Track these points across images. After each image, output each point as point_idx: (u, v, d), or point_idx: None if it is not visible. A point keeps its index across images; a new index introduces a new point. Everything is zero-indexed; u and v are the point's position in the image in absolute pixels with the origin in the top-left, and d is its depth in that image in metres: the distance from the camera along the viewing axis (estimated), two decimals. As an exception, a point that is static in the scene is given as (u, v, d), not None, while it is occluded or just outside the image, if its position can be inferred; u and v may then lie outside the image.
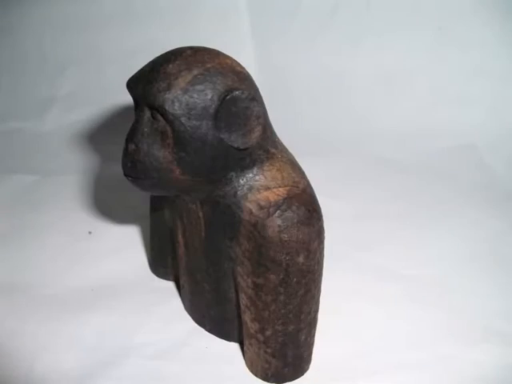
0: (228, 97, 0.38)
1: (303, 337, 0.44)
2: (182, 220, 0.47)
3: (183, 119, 0.38)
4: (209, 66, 0.39)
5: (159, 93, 0.38)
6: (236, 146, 0.39)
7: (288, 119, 0.81)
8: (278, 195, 0.40)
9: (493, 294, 0.56)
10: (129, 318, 0.53)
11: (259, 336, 0.44)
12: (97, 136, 0.91)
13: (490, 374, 0.47)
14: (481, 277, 0.59)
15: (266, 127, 0.42)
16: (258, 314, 0.43)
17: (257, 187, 0.41)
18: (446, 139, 0.86)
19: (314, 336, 0.46)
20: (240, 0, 0.92)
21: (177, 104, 0.38)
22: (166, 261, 0.57)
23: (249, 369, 0.47)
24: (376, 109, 0.90)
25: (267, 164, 0.42)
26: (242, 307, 0.44)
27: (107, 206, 0.72)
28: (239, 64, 0.42)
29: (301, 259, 0.41)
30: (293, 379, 0.46)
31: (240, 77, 0.40)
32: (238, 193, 0.41)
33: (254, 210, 0.40)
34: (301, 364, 0.46)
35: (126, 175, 0.42)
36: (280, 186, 0.41)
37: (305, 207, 0.41)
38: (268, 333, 0.43)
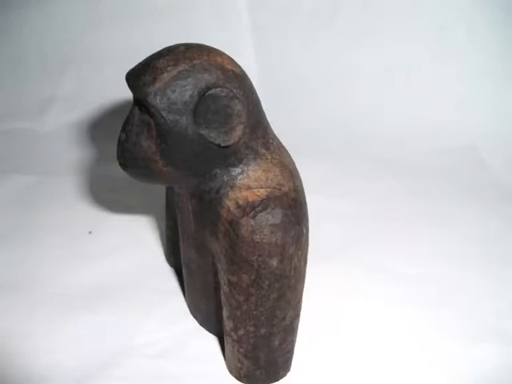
0: (207, 94, 0.39)
1: (277, 342, 0.44)
2: (178, 211, 0.48)
3: (164, 113, 0.39)
4: (196, 62, 0.40)
5: (144, 86, 0.40)
6: (217, 143, 0.40)
7: (287, 119, 0.81)
8: (256, 196, 0.40)
9: (493, 293, 0.56)
10: (129, 318, 0.53)
11: (233, 334, 0.44)
12: (97, 136, 0.91)
13: (490, 373, 0.47)
14: (481, 276, 0.59)
15: (257, 127, 0.42)
16: (232, 313, 0.43)
17: (239, 186, 0.41)
18: (446, 139, 0.86)
19: (291, 343, 0.46)
20: (240, 0, 0.93)
21: (159, 97, 0.39)
22: (176, 250, 0.58)
23: (226, 366, 0.48)
24: (375, 108, 0.90)
25: (254, 164, 0.42)
26: (222, 303, 0.45)
27: (107, 206, 0.72)
28: (232, 63, 0.42)
29: (274, 263, 0.40)
30: (266, 383, 0.46)
31: (227, 75, 0.40)
32: (221, 190, 0.42)
33: (231, 208, 0.41)
34: (275, 369, 0.46)
35: (119, 163, 0.44)
36: (261, 187, 0.41)
37: (282, 210, 0.40)
38: (240, 332, 0.44)
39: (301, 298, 0.45)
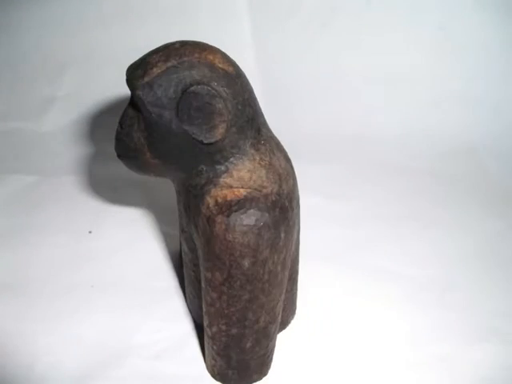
0: (188, 90, 0.39)
1: (249, 344, 0.44)
2: (177, 206, 0.49)
3: (149, 106, 0.40)
4: (185, 59, 0.41)
5: (134, 79, 0.41)
6: (200, 139, 0.40)
7: (287, 120, 0.81)
8: (235, 195, 0.41)
9: (492, 293, 0.56)
10: (128, 318, 0.53)
11: (208, 331, 0.44)
12: (96, 136, 0.91)
13: (490, 373, 0.47)
14: (480, 276, 0.59)
15: (247, 127, 0.42)
16: (207, 309, 0.43)
17: (221, 184, 0.42)
18: (445, 142, 0.86)
19: (267, 348, 0.45)
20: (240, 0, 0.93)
21: (146, 91, 0.40)
22: None
23: (204, 362, 0.48)
24: (375, 110, 0.90)
25: (239, 163, 0.42)
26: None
27: (107, 206, 0.72)
28: (226, 61, 0.42)
29: (245, 263, 0.40)
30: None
31: (216, 73, 0.41)
32: (205, 186, 0.42)
33: (210, 205, 0.41)
34: (248, 372, 0.46)
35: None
36: (242, 187, 0.41)
37: (258, 212, 0.40)
38: (214, 329, 0.44)
39: (278, 304, 0.44)
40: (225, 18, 0.93)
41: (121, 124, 0.44)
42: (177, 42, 0.43)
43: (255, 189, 0.41)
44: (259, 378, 0.46)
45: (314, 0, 0.91)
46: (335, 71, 0.92)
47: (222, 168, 0.42)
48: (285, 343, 0.50)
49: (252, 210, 0.40)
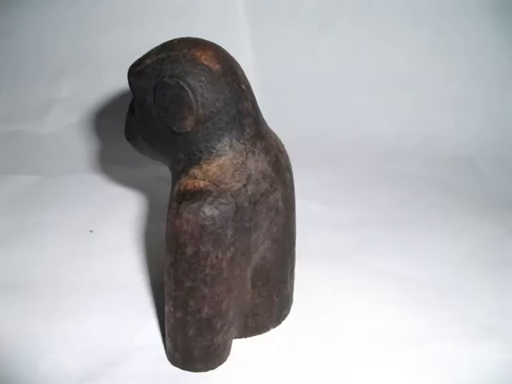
0: (159, 81, 0.43)
1: (191, 332, 0.45)
2: None
3: (136, 92, 0.45)
4: (173, 53, 0.43)
5: (132, 66, 0.45)
6: (173, 128, 0.43)
7: (285, 124, 0.81)
8: (194, 185, 0.42)
9: (491, 293, 0.56)
10: (131, 318, 0.53)
11: (164, 308, 0.46)
12: (96, 137, 0.91)
13: (490, 372, 0.47)
14: (478, 278, 0.59)
15: (226, 127, 0.43)
16: (165, 288, 0.45)
17: (190, 174, 0.43)
18: (442, 148, 0.86)
19: (211, 341, 0.45)
20: (239, 0, 0.93)
21: (135, 78, 0.45)
22: None
23: None
24: (372, 116, 0.90)
25: (211, 158, 0.43)
26: None
27: (107, 206, 0.72)
28: (215, 59, 0.44)
29: (188, 252, 0.42)
30: (184, 369, 0.47)
31: (197, 69, 0.43)
32: (180, 174, 0.44)
33: (174, 192, 0.43)
34: (191, 359, 0.46)
35: None
36: (203, 180, 0.42)
37: (205, 206, 0.41)
38: (166, 309, 0.45)
39: (225, 301, 0.44)
40: (224, 19, 0.93)
41: (128, 108, 0.48)
42: (179, 38, 0.45)
43: (213, 183, 0.42)
44: (204, 369, 0.47)
45: (314, 2, 0.92)
46: (334, 76, 0.92)
47: (195, 159, 0.44)
48: (286, 342, 0.50)
49: (201, 202, 0.41)
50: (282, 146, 0.50)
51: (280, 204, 0.47)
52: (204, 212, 0.41)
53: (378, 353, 0.49)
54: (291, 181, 0.50)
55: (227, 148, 0.44)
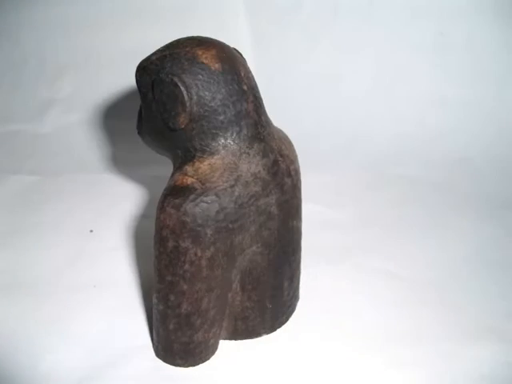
0: (156, 77, 0.44)
1: (171, 326, 0.45)
2: None
3: (140, 87, 0.46)
4: (176, 51, 0.44)
5: (141, 62, 0.46)
6: (168, 124, 0.44)
7: (286, 121, 0.81)
8: (182, 182, 0.43)
9: (491, 293, 0.56)
10: (131, 318, 0.53)
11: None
12: (96, 137, 0.91)
13: (490, 371, 0.47)
14: (478, 278, 0.59)
15: (222, 128, 0.44)
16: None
17: (183, 170, 0.44)
18: (441, 149, 0.86)
19: (191, 337, 0.46)
20: (239, 0, 0.93)
21: (141, 73, 0.46)
22: None
23: None
24: (371, 117, 0.90)
25: (204, 156, 0.44)
26: None
27: (107, 206, 0.72)
28: (216, 58, 0.44)
29: (169, 246, 0.42)
30: (166, 362, 0.48)
31: (197, 67, 0.43)
32: (176, 170, 0.45)
33: (166, 186, 0.44)
34: (171, 353, 0.47)
35: None
36: (192, 177, 0.43)
37: (188, 203, 0.42)
38: (152, 300, 0.46)
39: (204, 300, 0.44)
40: (224, 19, 0.93)
41: (140, 104, 0.49)
42: (188, 37, 0.46)
43: (200, 181, 0.42)
44: (183, 365, 0.47)
45: (314, 1, 0.92)
46: (335, 76, 0.92)
47: (190, 156, 0.44)
48: (286, 342, 0.50)
49: (184, 198, 0.42)
50: (288, 150, 0.49)
51: (273, 209, 0.46)
52: (185, 208, 0.42)
53: (378, 353, 0.49)
54: (293, 186, 0.48)
55: (221, 148, 0.44)
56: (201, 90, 0.43)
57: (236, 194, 0.43)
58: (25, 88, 0.98)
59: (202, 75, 0.43)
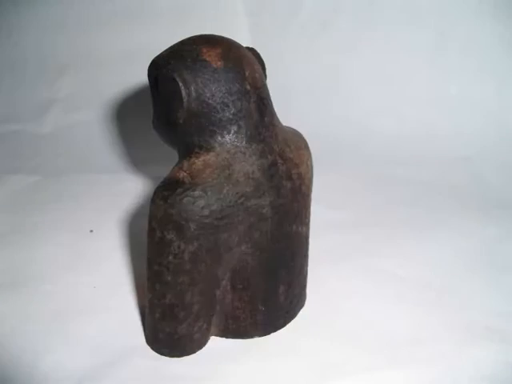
0: (158, 72, 0.45)
1: (157, 315, 0.46)
2: None
3: (150, 79, 0.46)
4: (183, 47, 0.45)
5: (154, 58, 0.46)
6: (169, 119, 0.45)
7: (285, 122, 0.81)
8: (175, 175, 0.44)
9: (491, 294, 0.56)
10: (130, 318, 0.53)
11: None
12: (96, 137, 0.91)
13: (490, 371, 0.47)
14: (478, 278, 0.59)
15: (220, 127, 0.44)
16: None
17: (180, 164, 0.45)
18: (442, 149, 0.86)
19: (176, 329, 0.46)
20: (239, 0, 0.93)
21: (151, 68, 0.46)
22: None
23: None
24: (372, 117, 0.90)
25: (201, 153, 0.44)
26: None
27: (107, 206, 0.72)
28: (221, 57, 0.44)
29: (156, 236, 0.43)
30: (154, 350, 0.48)
31: (199, 64, 0.43)
32: (176, 164, 0.46)
33: (163, 178, 0.45)
34: (158, 342, 0.48)
35: None
36: (185, 171, 0.44)
37: (174, 196, 0.42)
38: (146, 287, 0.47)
39: (188, 293, 0.45)
40: (224, 19, 0.93)
41: None
42: (200, 34, 0.46)
43: (190, 176, 0.43)
44: (170, 355, 0.48)
45: (314, 1, 0.92)
46: (335, 77, 0.92)
47: (189, 151, 0.45)
48: (286, 342, 0.50)
49: (172, 191, 0.42)
50: (294, 153, 0.48)
51: (266, 211, 0.45)
52: (172, 201, 0.42)
53: (378, 352, 0.49)
54: (293, 190, 0.47)
55: (217, 145, 0.44)
56: (200, 87, 0.43)
57: (224, 191, 0.43)
58: (25, 88, 0.98)
59: (203, 72, 0.43)
